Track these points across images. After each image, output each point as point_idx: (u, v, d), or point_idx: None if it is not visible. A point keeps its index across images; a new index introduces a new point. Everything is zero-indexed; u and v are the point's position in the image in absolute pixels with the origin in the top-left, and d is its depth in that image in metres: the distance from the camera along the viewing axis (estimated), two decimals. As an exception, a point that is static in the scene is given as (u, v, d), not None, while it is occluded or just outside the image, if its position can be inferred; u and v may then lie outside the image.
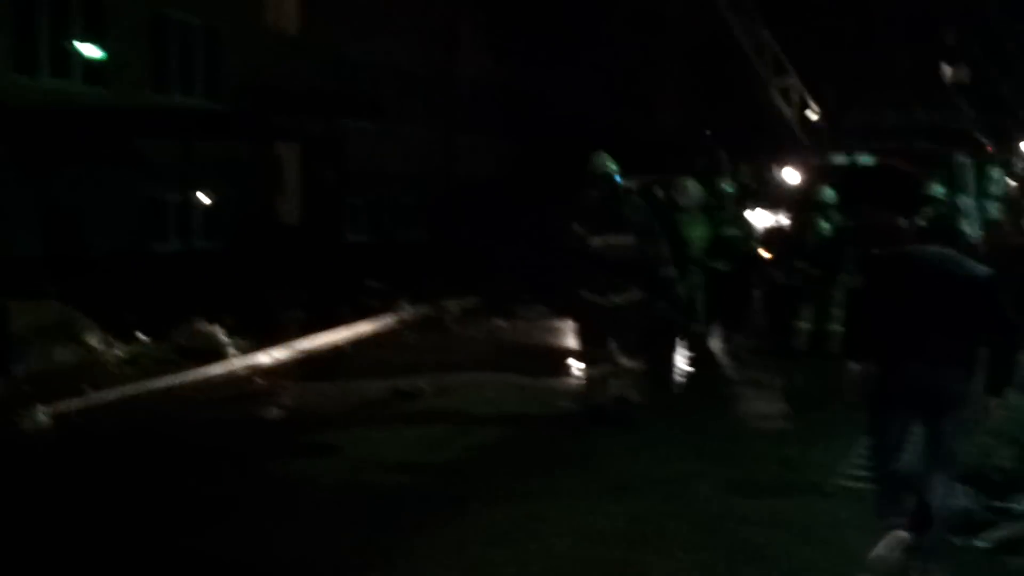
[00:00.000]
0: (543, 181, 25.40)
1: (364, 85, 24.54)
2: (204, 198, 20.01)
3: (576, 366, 10.98)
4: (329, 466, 8.10)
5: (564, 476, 7.95)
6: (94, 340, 11.58)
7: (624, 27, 29.87)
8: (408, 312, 15.20)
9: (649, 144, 25.14)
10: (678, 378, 11.67)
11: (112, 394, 9.98)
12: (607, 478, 7.90)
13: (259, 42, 21.10)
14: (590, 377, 9.54)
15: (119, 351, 11.69)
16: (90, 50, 18.13)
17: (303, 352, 12.47)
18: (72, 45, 17.86)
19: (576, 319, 9.85)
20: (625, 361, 9.25)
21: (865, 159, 17.83)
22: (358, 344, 13.38)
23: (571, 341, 10.04)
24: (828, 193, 13.01)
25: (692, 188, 12.29)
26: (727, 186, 13.92)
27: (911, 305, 6.13)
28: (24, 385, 10.14)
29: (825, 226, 12.75)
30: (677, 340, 11.97)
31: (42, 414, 9.02)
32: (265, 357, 11.91)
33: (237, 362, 11.59)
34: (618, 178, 9.43)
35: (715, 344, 13.17)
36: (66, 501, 7.20)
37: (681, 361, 12.09)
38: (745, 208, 14.73)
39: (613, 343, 9.27)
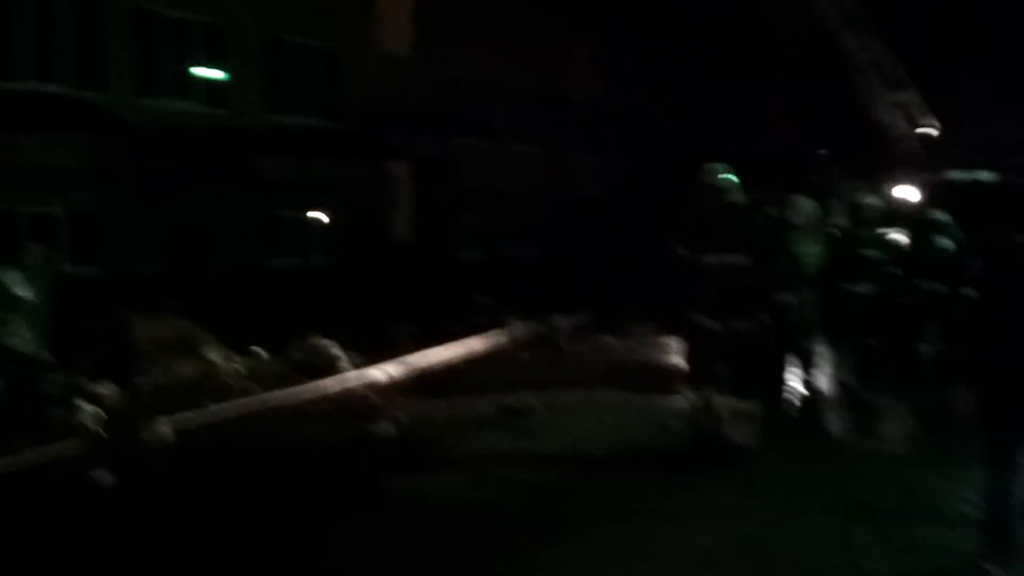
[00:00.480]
0: (652, 199, 25.31)
1: (476, 105, 24.78)
2: (319, 216, 20.40)
3: (685, 388, 10.86)
4: (439, 483, 8.17)
5: (675, 497, 7.88)
6: (213, 354, 11.88)
7: (733, 44, 29.61)
8: (518, 329, 15.27)
9: (759, 160, 24.84)
10: (794, 400, 11.47)
11: (231, 407, 10.23)
12: (718, 499, 7.81)
13: (373, 64, 21.47)
14: (698, 403, 9.23)
15: (237, 365, 11.97)
16: (211, 73, 18.65)
17: (415, 368, 12.61)
18: (193, 68, 18.41)
19: (687, 342, 9.42)
20: (728, 399, 8.82)
21: (987, 175, 17.36)
22: (469, 360, 13.48)
23: (681, 360, 9.92)
24: (939, 214, 12.72)
25: (804, 205, 12.05)
26: (873, 203, 13.36)
27: (1018, 305, 6.01)
28: (147, 397, 10.45)
29: (946, 243, 12.44)
30: (792, 363, 11.73)
31: (164, 426, 9.27)
32: (378, 372, 12.07)
33: (351, 377, 11.78)
34: (736, 191, 8.97)
35: (834, 364, 12.88)
36: (189, 512, 7.38)
37: (797, 383, 11.88)
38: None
39: (723, 371, 8.86)
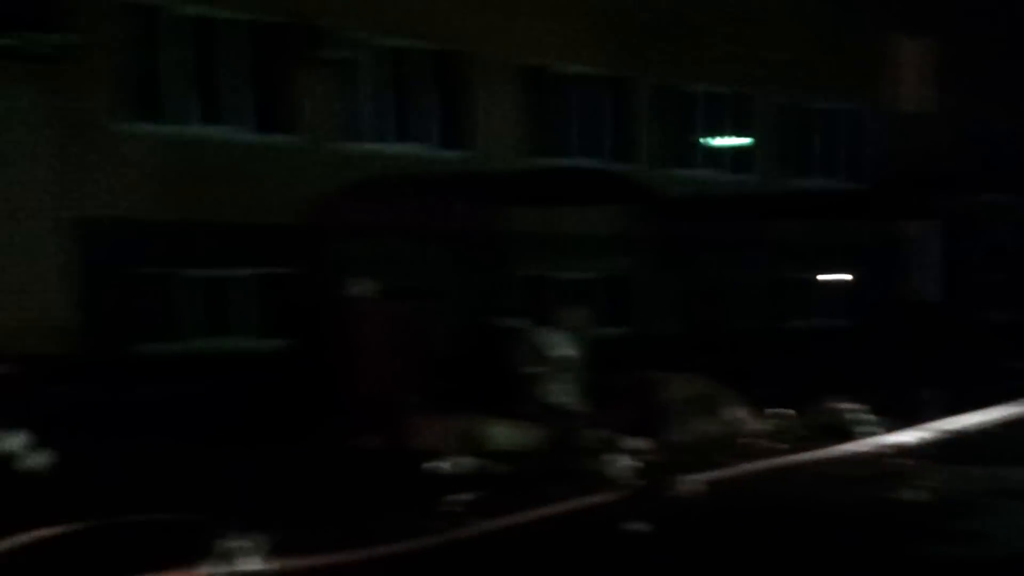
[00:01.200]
0: None
1: (1006, 158, 23.49)
2: (839, 276, 20.31)
3: None
4: (979, 556, 7.82)
5: None
6: (736, 413, 12.20)
7: None
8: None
9: None
10: None
11: (759, 466, 10.44)
12: None
13: (893, 123, 21.18)
14: None
15: (759, 424, 12.19)
16: (733, 141, 19.36)
17: (943, 432, 12.15)
18: (717, 138, 19.23)
19: None
20: None
21: None
22: (1006, 427, 12.75)
23: None
24: None
25: None
26: None
27: None
28: (677, 452, 10.92)
29: None
30: None
31: (696, 481, 9.66)
32: (903, 436, 11.79)
33: (877, 440, 11.59)
34: None
35: None
36: (718, 564, 7.65)
37: None
38: None
39: None
